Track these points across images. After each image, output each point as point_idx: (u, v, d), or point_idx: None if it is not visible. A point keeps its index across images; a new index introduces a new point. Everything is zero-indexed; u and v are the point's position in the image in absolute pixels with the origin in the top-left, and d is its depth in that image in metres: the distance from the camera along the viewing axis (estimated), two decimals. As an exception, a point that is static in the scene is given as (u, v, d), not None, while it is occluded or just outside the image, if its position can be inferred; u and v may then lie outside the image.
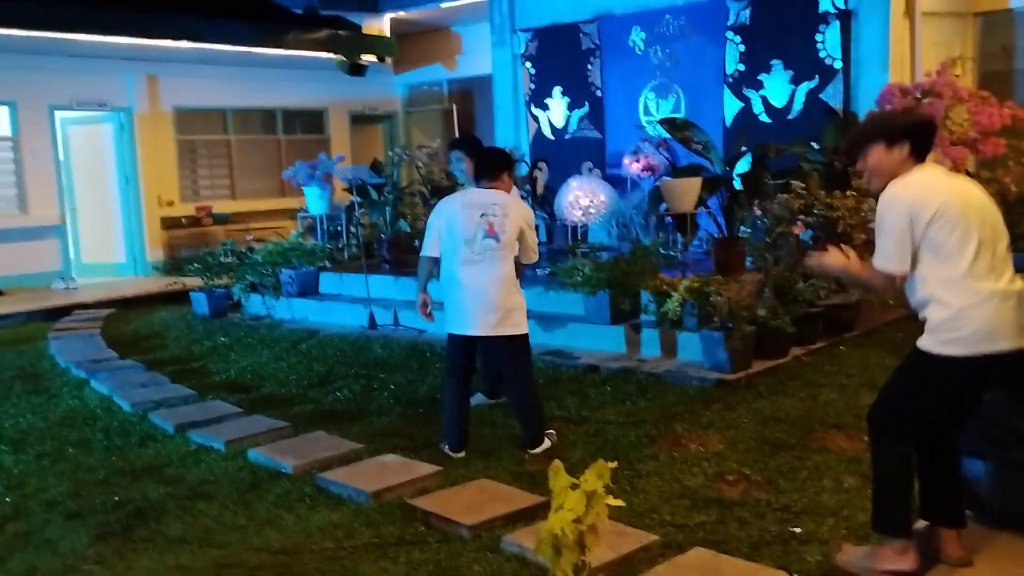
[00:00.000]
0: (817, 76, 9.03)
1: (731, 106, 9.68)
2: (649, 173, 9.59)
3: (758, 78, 9.45)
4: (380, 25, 14.64)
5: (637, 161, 9.67)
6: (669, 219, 8.80)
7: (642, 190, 9.72)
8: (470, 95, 15.92)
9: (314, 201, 10.90)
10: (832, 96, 8.93)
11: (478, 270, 4.90)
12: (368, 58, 14.55)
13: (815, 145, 8.50)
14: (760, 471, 4.52)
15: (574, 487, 2.69)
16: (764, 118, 9.43)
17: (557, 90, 11.22)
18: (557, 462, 2.79)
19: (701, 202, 8.28)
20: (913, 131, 3.31)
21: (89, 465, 5.21)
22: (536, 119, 11.49)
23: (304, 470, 4.87)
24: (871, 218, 7.04)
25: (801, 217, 7.09)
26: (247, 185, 14.97)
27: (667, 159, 9.48)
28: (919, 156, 3.31)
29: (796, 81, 9.19)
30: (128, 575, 3.78)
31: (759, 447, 4.85)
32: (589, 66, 10.87)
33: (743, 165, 8.20)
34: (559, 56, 11.11)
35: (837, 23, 8.85)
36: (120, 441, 5.64)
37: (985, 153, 7.98)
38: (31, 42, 11.58)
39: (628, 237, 9.23)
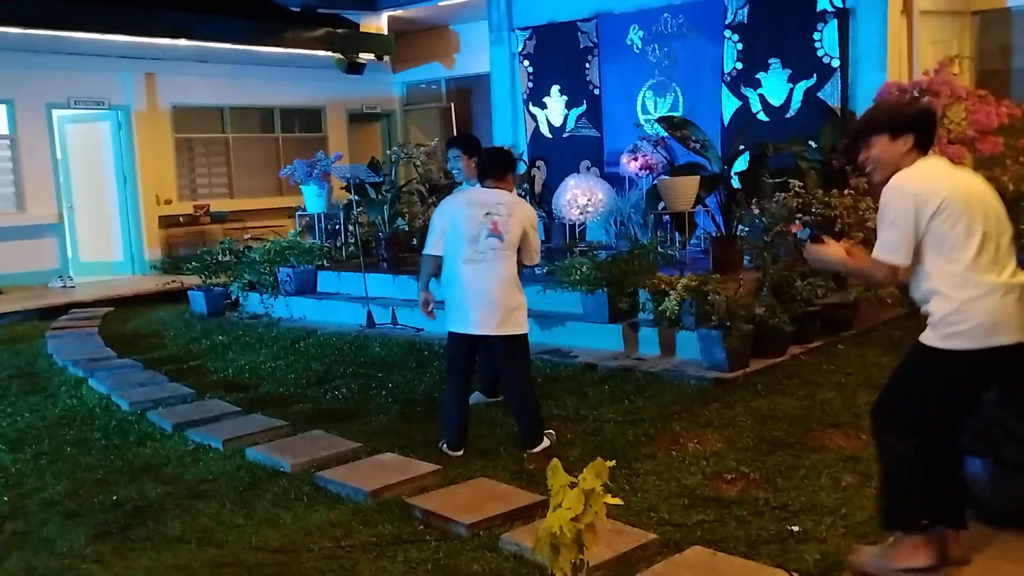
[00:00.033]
0: (815, 75, 9.03)
1: (729, 105, 9.68)
2: (647, 172, 9.60)
3: (756, 77, 9.46)
4: (378, 23, 14.62)
5: (635, 160, 9.67)
6: (667, 218, 8.81)
7: (640, 189, 9.72)
8: (468, 93, 15.92)
9: (312, 200, 10.89)
10: (830, 95, 8.93)
11: (481, 269, 4.91)
12: (366, 56, 14.53)
13: (813, 144, 8.50)
14: (758, 470, 4.52)
15: (572, 486, 2.70)
16: (762, 117, 9.43)
17: (555, 88, 11.21)
18: (555, 461, 2.80)
19: (699, 201, 8.29)
20: (917, 122, 3.29)
21: (87, 464, 5.21)
22: (534, 117, 11.49)
23: (302, 469, 4.87)
24: (869, 216, 7.09)
25: (799, 216, 7.09)
26: (245, 183, 14.96)
27: (665, 158, 9.49)
28: (923, 147, 3.29)
29: (794, 80, 9.19)
30: (127, 574, 3.78)
31: (757, 446, 4.85)
32: (587, 64, 10.87)
33: (741, 164, 8.20)
34: (557, 54, 11.11)
35: (835, 22, 8.85)
36: (118, 440, 5.64)
37: (983, 152, 7.99)
38: (28, 40, 11.57)
39: (626, 236, 9.23)
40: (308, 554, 3.84)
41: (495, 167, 5.12)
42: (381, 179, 10.10)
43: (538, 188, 10.80)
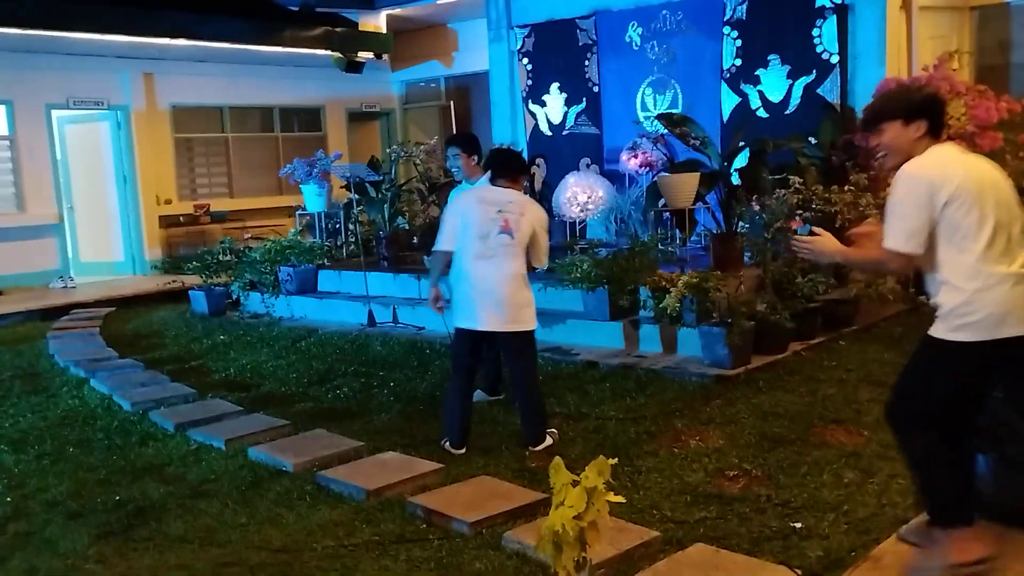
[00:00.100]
0: (814, 71, 9.02)
1: (728, 101, 9.67)
2: (647, 169, 9.59)
3: (755, 73, 9.45)
4: (377, 22, 14.61)
5: (635, 157, 9.67)
6: (667, 215, 8.80)
7: (640, 186, 9.72)
8: (467, 92, 15.91)
9: (312, 199, 10.89)
10: (829, 91, 8.92)
11: (490, 265, 4.92)
12: (365, 55, 14.52)
13: (812, 140, 8.49)
14: (760, 466, 4.52)
15: (575, 484, 2.70)
16: (761, 113, 9.42)
17: (554, 86, 11.21)
18: (558, 459, 2.80)
19: (699, 198, 8.29)
20: (930, 108, 3.26)
21: (89, 464, 5.21)
22: (533, 115, 11.48)
23: (304, 468, 4.87)
24: (869, 212, 7.09)
25: (799, 212, 7.09)
26: (245, 183, 14.96)
27: (665, 155, 9.48)
28: (935, 133, 3.26)
29: (793, 76, 9.18)
30: (129, 574, 3.79)
31: (759, 442, 4.85)
32: (586, 62, 10.86)
33: (741, 160, 8.20)
34: (556, 52, 11.10)
35: (834, 17, 8.84)
36: (120, 440, 5.65)
37: (982, 147, 7.97)
38: (27, 40, 11.56)
39: (626, 233, 9.22)
40: (310, 553, 3.85)
41: (508, 168, 5.17)
42: (381, 178, 10.10)
43: (538, 186, 10.80)
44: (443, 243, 5.11)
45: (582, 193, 9.26)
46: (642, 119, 10.35)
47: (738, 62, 9.57)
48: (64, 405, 6.58)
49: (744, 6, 9.47)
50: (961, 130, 7.78)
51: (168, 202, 13.97)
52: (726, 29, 9.62)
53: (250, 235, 12.25)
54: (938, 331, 3.21)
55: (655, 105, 10.33)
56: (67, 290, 12.19)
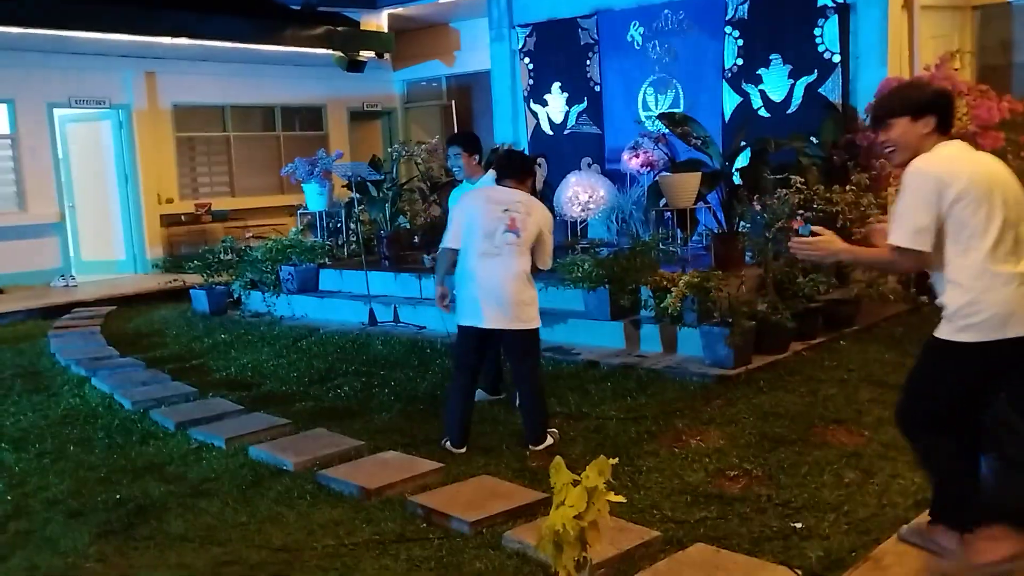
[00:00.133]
0: (816, 70, 9.01)
1: (730, 101, 9.66)
2: (648, 168, 9.59)
3: (757, 73, 9.44)
4: (378, 21, 14.62)
5: (636, 156, 9.66)
6: (668, 214, 8.79)
7: (641, 185, 9.71)
8: (468, 91, 15.91)
9: (313, 198, 10.89)
10: (831, 90, 8.91)
11: (495, 263, 4.92)
12: (366, 54, 14.52)
13: (814, 139, 8.49)
14: (761, 466, 4.52)
15: (575, 483, 2.70)
16: (763, 113, 9.41)
17: (556, 86, 11.20)
18: (558, 458, 2.80)
19: (700, 197, 8.28)
20: (939, 104, 3.24)
21: (90, 463, 5.21)
22: (535, 115, 11.47)
23: (305, 467, 4.87)
24: (871, 212, 7.08)
25: (800, 212, 7.08)
26: (246, 182, 14.96)
27: (666, 154, 9.48)
28: (943, 130, 3.23)
29: (795, 75, 9.17)
30: (130, 573, 3.79)
31: (759, 442, 4.85)
32: (588, 61, 10.85)
33: (742, 160, 8.19)
34: (557, 51, 11.10)
35: (835, 17, 8.83)
36: (121, 439, 5.65)
37: (984, 147, 7.95)
38: (29, 39, 11.57)
39: (627, 232, 9.22)
40: (311, 552, 3.85)
41: (515, 168, 5.19)
42: (382, 177, 10.10)
43: (539, 185, 10.79)
44: (449, 241, 5.11)
45: (583, 192, 9.26)
46: (643, 119, 10.34)
47: (740, 61, 9.56)
48: (65, 404, 6.58)
49: (746, 5, 9.47)
50: (963, 130, 7.77)
51: (169, 201, 13.99)
52: (728, 28, 9.61)
53: (251, 234, 12.26)
54: (943, 332, 3.19)
55: (656, 104, 10.33)
56: (68, 289, 12.19)
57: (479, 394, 5.69)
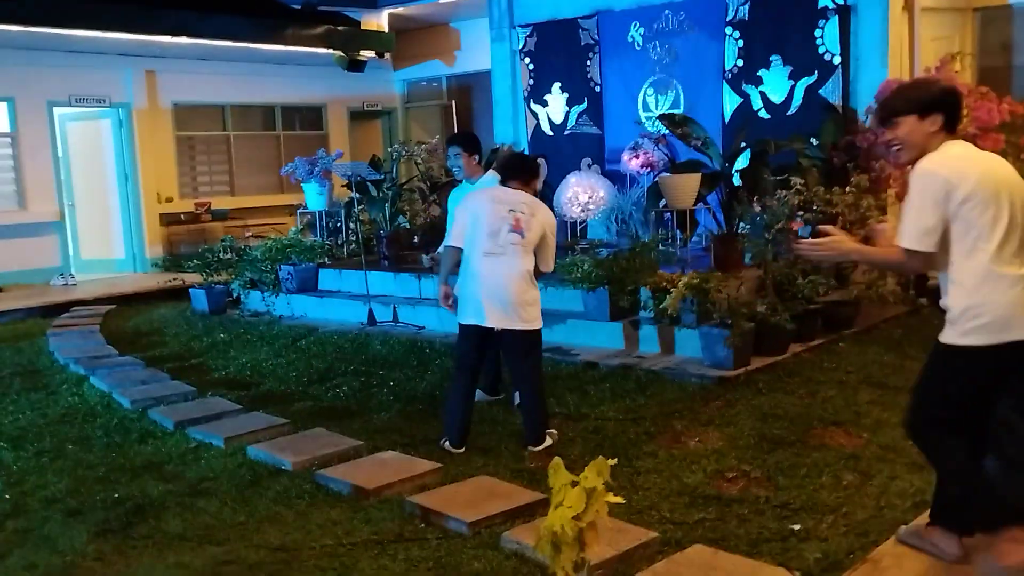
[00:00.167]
0: (816, 72, 9.01)
1: (730, 102, 9.66)
2: (648, 169, 9.59)
3: (757, 74, 9.44)
4: (379, 21, 14.61)
5: (636, 157, 9.66)
6: (668, 215, 8.80)
7: (641, 186, 9.71)
8: (469, 91, 15.90)
9: (313, 197, 10.89)
10: (831, 92, 8.91)
11: (499, 262, 4.93)
12: (367, 54, 14.52)
13: (814, 141, 8.49)
14: (759, 468, 4.52)
15: (574, 484, 2.70)
16: (763, 114, 9.41)
17: (556, 86, 11.20)
18: (557, 459, 2.79)
19: (700, 198, 8.29)
20: (946, 102, 3.22)
21: (88, 462, 5.21)
22: (535, 115, 11.47)
23: (303, 467, 4.87)
24: (870, 214, 7.08)
25: (800, 213, 7.08)
26: (246, 181, 14.96)
27: (666, 155, 9.48)
28: (951, 128, 3.22)
29: (795, 77, 9.17)
30: (128, 572, 3.78)
31: (758, 444, 4.85)
32: (588, 62, 10.85)
33: (742, 161, 8.19)
34: (558, 52, 11.09)
35: (836, 18, 8.83)
36: (119, 438, 5.64)
37: (984, 149, 7.96)
38: (29, 38, 11.56)
39: (627, 233, 9.22)
40: (309, 552, 3.85)
41: (521, 170, 5.22)
42: (382, 177, 10.09)
43: (539, 186, 10.77)
44: (453, 239, 5.12)
45: (583, 193, 9.26)
46: (644, 119, 10.34)
47: (740, 63, 9.56)
48: (64, 402, 6.58)
49: (746, 7, 9.47)
50: (963, 132, 7.76)
51: (169, 200, 13.98)
52: (728, 29, 9.61)
53: (251, 233, 12.25)
54: (948, 337, 3.18)
55: (657, 105, 10.33)
56: (68, 287, 12.18)
57: (478, 394, 5.69)
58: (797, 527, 3.82)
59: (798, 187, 7.23)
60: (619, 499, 2.79)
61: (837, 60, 8.86)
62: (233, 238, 10.95)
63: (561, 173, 10.04)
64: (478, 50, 13.53)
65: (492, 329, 5.00)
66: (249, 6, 13.01)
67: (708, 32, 9.82)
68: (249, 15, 12.93)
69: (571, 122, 11.14)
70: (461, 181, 6.21)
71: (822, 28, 8.92)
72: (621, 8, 10.53)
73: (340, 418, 5.84)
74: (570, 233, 9.56)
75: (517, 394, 5.42)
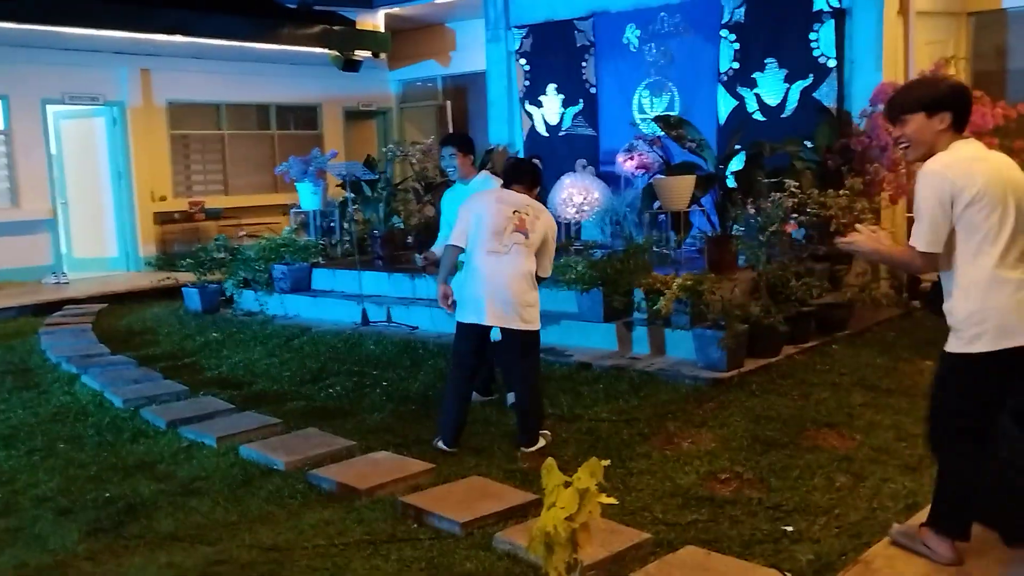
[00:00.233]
0: (811, 75, 9.03)
1: (725, 104, 9.67)
2: (643, 171, 9.58)
3: (752, 76, 9.45)
4: (374, 21, 14.61)
5: (631, 159, 9.66)
6: (663, 217, 8.80)
7: (636, 188, 9.70)
8: (464, 91, 15.90)
9: (307, 197, 10.87)
10: (826, 95, 8.93)
11: (503, 261, 4.94)
12: (362, 54, 14.52)
13: (809, 144, 8.50)
14: (752, 469, 4.52)
15: (567, 485, 2.69)
16: (758, 116, 9.42)
17: (551, 87, 11.20)
18: (550, 460, 2.79)
19: (695, 200, 8.28)
20: (955, 100, 3.20)
21: (80, 461, 5.19)
22: (530, 116, 11.47)
23: (296, 467, 4.86)
24: (864, 217, 7.09)
25: (794, 216, 7.10)
26: (240, 180, 14.94)
27: (661, 157, 9.47)
28: (959, 127, 3.20)
29: (790, 79, 9.19)
30: (119, 572, 3.77)
31: (751, 445, 4.85)
32: (583, 63, 10.86)
33: (737, 163, 8.20)
34: (554, 53, 11.09)
35: (831, 21, 8.85)
36: (111, 437, 5.63)
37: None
38: (23, 35, 11.54)
39: (621, 235, 9.22)
40: (301, 552, 3.84)
41: (524, 175, 5.28)
42: (377, 177, 10.09)
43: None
44: (456, 238, 5.12)
45: (578, 194, 9.26)
46: (639, 121, 10.34)
47: (735, 65, 9.57)
48: (55, 401, 6.56)
49: (742, 9, 9.48)
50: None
51: (163, 199, 13.95)
52: (724, 32, 9.62)
53: (245, 232, 12.22)
54: (955, 346, 3.18)
55: (652, 107, 10.34)
56: (60, 286, 12.14)
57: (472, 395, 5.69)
58: (790, 528, 3.82)
59: (792, 189, 7.24)
60: (612, 500, 2.79)
61: (832, 63, 8.88)
62: (227, 237, 10.93)
63: (556, 174, 10.03)
64: (474, 51, 13.53)
65: (491, 328, 5.00)
66: (245, 5, 13.00)
67: (704, 34, 9.83)
68: (245, 14, 12.92)
69: (566, 123, 11.15)
70: (455, 182, 6.21)
71: (817, 31, 8.94)
72: (617, 10, 10.53)
73: (333, 418, 5.83)
74: (564, 234, 9.55)
75: (510, 395, 5.42)
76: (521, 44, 11.41)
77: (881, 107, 7.86)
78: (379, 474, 4.61)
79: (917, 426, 4.93)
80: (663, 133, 8.90)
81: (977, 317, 3.10)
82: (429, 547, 3.81)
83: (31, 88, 12.55)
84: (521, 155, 11.16)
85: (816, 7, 8.92)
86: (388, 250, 9.86)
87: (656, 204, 8.66)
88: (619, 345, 7.04)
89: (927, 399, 3.46)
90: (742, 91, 9.54)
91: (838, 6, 8.81)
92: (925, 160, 3.24)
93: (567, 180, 9.53)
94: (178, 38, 12.45)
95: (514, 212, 5.00)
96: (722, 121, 9.67)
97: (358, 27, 14.39)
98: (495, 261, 4.95)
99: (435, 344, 7.48)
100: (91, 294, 11.37)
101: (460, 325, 5.11)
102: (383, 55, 15.24)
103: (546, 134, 11.34)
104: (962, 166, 3.12)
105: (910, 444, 4.71)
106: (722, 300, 6.44)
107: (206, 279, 10.22)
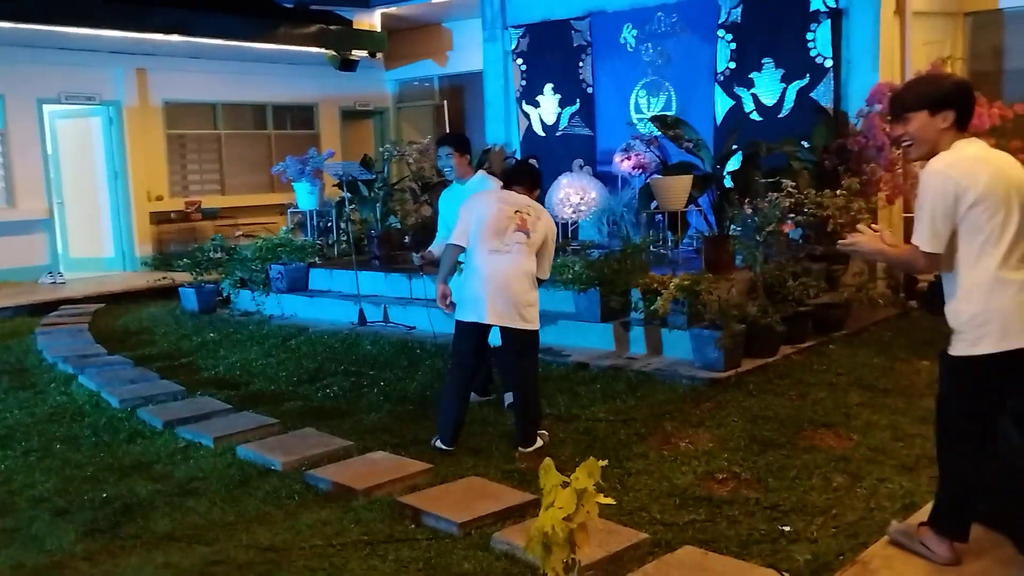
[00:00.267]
0: (808, 75, 9.04)
1: (722, 104, 9.68)
2: (640, 171, 9.60)
3: (749, 76, 9.46)
4: (371, 20, 14.60)
5: (628, 159, 9.67)
6: (660, 217, 8.81)
7: (633, 188, 9.72)
8: (461, 91, 15.90)
9: (304, 197, 10.87)
10: (823, 95, 8.94)
11: (504, 260, 4.95)
12: (359, 53, 14.51)
13: (805, 144, 8.51)
14: (749, 470, 4.52)
15: (564, 485, 2.69)
16: (755, 116, 9.43)
17: (548, 87, 11.21)
18: (548, 460, 2.79)
19: (692, 200, 8.30)
20: (958, 98, 3.18)
21: (77, 461, 5.18)
22: (527, 116, 11.47)
23: (293, 467, 4.85)
24: (861, 217, 7.10)
25: (791, 216, 7.10)
26: (237, 180, 14.92)
27: (658, 157, 9.49)
28: (962, 125, 3.18)
29: (787, 79, 9.20)
30: (116, 572, 3.76)
31: (748, 446, 4.86)
32: (580, 63, 10.86)
33: (734, 163, 8.22)
34: (550, 53, 11.10)
35: (828, 22, 8.86)
36: (108, 437, 5.62)
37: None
38: (19, 34, 11.51)
39: (619, 235, 9.23)
40: (299, 552, 3.83)
41: (525, 176, 5.33)
42: (373, 176, 10.08)
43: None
44: (457, 237, 5.12)
45: (575, 194, 9.27)
46: (636, 121, 10.36)
47: (732, 65, 9.58)
48: (52, 401, 6.55)
49: (739, 9, 9.49)
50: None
51: (159, 198, 13.93)
52: (720, 32, 9.63)
53: (241, 232, 12.21)
54: (959, 349, 3.17)
55: (649, 107, 10.35)
56: (56, 286, 12.11)
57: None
58: (787, 528, 3.82)
59: (789, 189, 7.25)
60: (610, 500, 2.79)
61: (829, 63, 8.89)
62: (223, 237, 10.92)
63: (553, 174, 10.04)
64: (470, 50, 13.53)
65: (491, 327, 5.00)
66: (241, 5, 12.98)
67: (700, 34, 9.84)
68: (241, 14, 12.90)
69: (563, 123, 11.15)
70: (452, 182, 6.21)
71: (814, 31, 8.95)
72: (614, 9, 10.54)
73: (330, 418, 5.82)
74: (561, 234, 9.55)
75: (508, 395, 5.41)
76: (518, 44, 11.41)
77: (878, 107, 7.92)
78: (376, 474, 4.60)
79: (914, 426, 4.95)
80: (660, 133, 8.92)
81: (980, 319, 3.09)
82: (427, 547, 3.81)
83: (27, 87, 12.52)
84: (518, 155, 11.17)
85: (813, 7, 8.94)
86: (385, 250, 9.85)
87: (653, 204, 8.67)
88: (616, 345, 7.05)
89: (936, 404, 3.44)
90: (739, 91, 9.55)
91: (835, 6, 8.82)
92: (927, 159, 3.22)
93: (564, 180, 9.54)
94: (174, 38, 12.43)
95: (516, 212, 5.02)
96: (719, 121, 9.68)
97: (355, 27, 14.37)
98: (497, 260, 4.95)
99: (432, 344, 7.48)
100: (87, 294, 11.35)
101: (460, 324, 5.10)
102: (380, 55, 15.23)
103: (543, 134, 11.34)
104: (965, 166, 3.10)
105: (907, 444, 4.72)
106: (719, 300, 6.44)
107: (203, 279, 10.21)
